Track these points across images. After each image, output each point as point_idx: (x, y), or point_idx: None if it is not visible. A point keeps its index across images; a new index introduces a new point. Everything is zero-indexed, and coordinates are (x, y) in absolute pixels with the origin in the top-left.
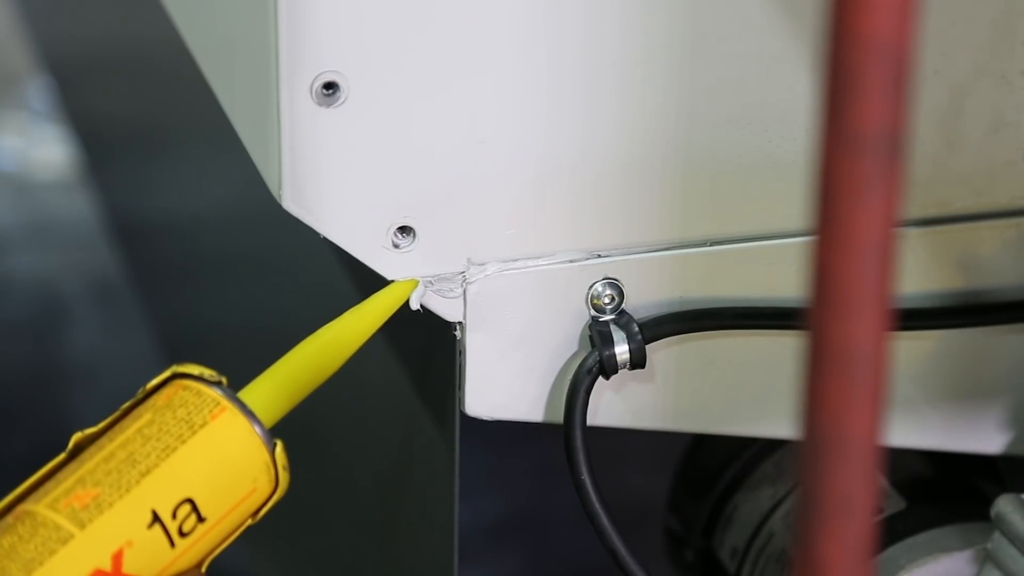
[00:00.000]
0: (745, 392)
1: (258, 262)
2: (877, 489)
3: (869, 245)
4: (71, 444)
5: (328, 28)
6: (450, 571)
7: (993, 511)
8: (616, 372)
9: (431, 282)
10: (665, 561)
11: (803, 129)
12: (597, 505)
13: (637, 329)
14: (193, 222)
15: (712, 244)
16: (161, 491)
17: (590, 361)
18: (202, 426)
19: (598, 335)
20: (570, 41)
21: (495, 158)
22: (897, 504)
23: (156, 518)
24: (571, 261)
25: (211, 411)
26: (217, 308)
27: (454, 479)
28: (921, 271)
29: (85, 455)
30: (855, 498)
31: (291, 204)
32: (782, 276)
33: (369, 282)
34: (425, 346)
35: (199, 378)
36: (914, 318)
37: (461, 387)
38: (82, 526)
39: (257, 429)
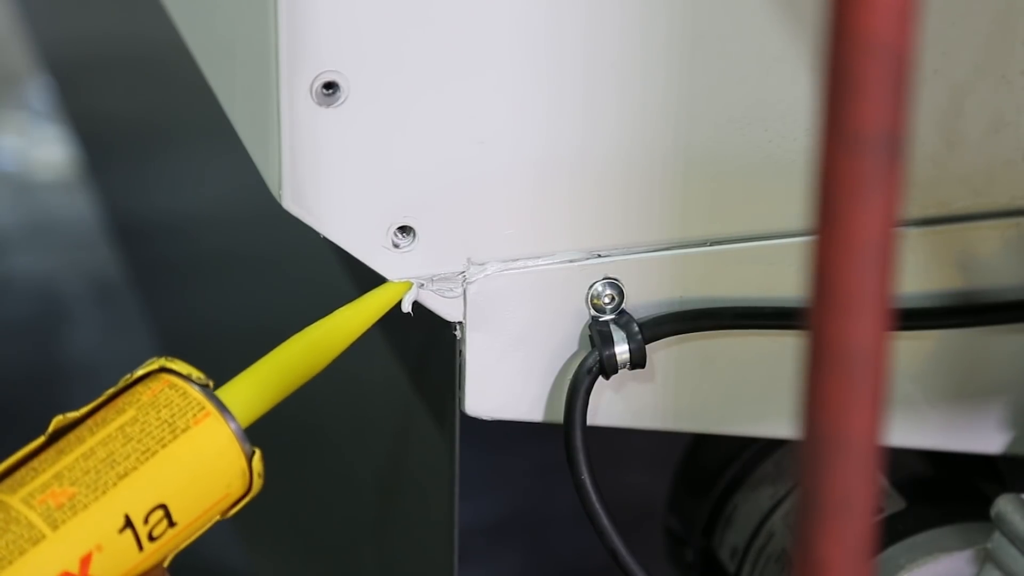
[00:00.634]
0: (745, 392)
1: (258, 262)
2: (877, 489)
3: (869, 245)
4: (51, 428)
5: (328, 28)
6: (450, 571)
7: (993, 511)
8: (616, 372)
9: (431, 281)
10: (665, 561)
11: (803, 129)
12: (597, 505)
13: (637, 329)
14: (193, 222)
15: (712, 244)
16: (136, 496)
17: (590, 361)
18: (184, 431)
19: (598, 335)
20: (570, 41)
21: (495, 158)
22: (897, 504)
23: (128, 523)
24: (571, 261)
25: (194, 415)
26: (217, 308)
27: (454, 479)
28: (921, 271)
29: (64, 445)
30: (855, 498)
31: (291, 204)
32: (782, 276)
33: (369, 282)
34: (423, 344)
35: (187, 378)
36: (914, 318)
37: (461, 387)
38: (55, 527)
39: (238, 436)
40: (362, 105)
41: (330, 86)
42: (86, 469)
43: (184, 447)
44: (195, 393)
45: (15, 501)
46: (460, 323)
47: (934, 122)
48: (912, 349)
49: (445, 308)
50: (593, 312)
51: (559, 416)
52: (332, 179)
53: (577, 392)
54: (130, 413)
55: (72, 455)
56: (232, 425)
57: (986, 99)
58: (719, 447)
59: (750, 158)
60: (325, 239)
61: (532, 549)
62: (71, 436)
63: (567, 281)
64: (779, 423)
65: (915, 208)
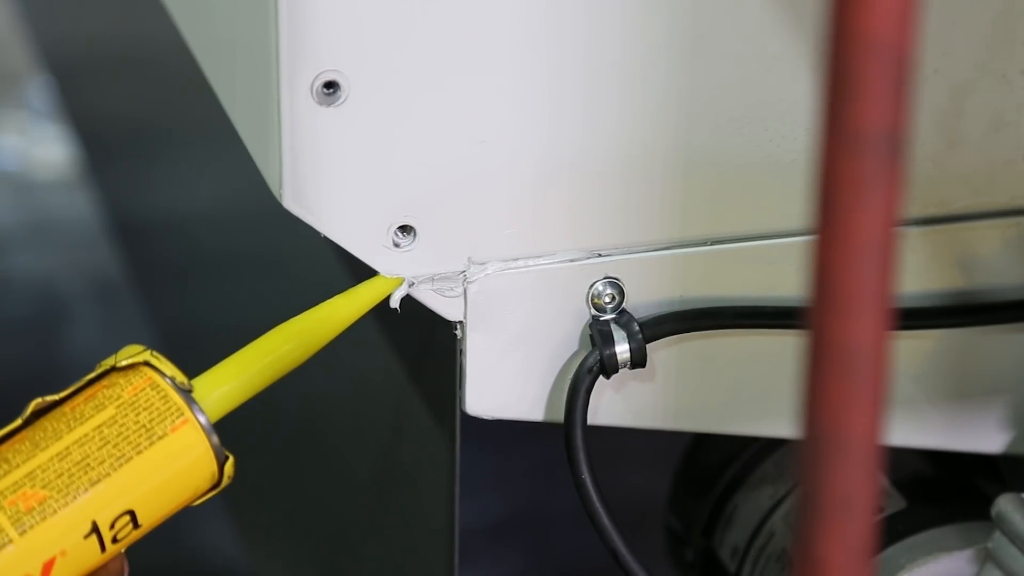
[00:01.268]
0: (745, 391)
1: (258, 261)
2: (877, 488)
3: (869, 244)
4: (29, 410)
5: (328, 27)
6: (450, 571)
7: (993, 510)
8: (616, 371)
9: (431, 280)
10: (665, 560)
11: (804, 128)
12: (597, 504)
13: (637, 328)
14: (193, 221)
15: (713, 243)
16: (106, 503)
17: (591, 360)
18: (161, 437)
19: (599, 334)
20: (571, 40)
21: (496, 157)
22: (897, 503)
23: (95, 529)
24: (572, 260)
25: (172, 422)
26: (217, 307)
27: (455, 479)
28: (921, 270)
29: (40, 436)
30: (855, 497)
31: (291, 203)
32: (783, 275)
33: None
34: (422, 343)
35: (170, 379)
36: (915, 317)
37: (461, 386)
38: (22, 532)
39: (213, 447)
40: (362, 104)
41: (330, 85)
42: (59, 471)
43: (159, 454)
44: (175, 397)
45: None
46: (460, 322)
47: (934, 122)
48: (913, 349)
49: (446, 307)
50: (594, 311)
51: (559, 415)
52: (333, 178)
53: (578, 391)
54: (109, 412)
55: (47, 452)
56: (208, 433)
57: (986, 99)
58: (719, 447)
59: (750, 158)
60: (325, 238)
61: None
62: (48, 427)
63: (568, 280)
64: (779, 422)
65: (915, 207)
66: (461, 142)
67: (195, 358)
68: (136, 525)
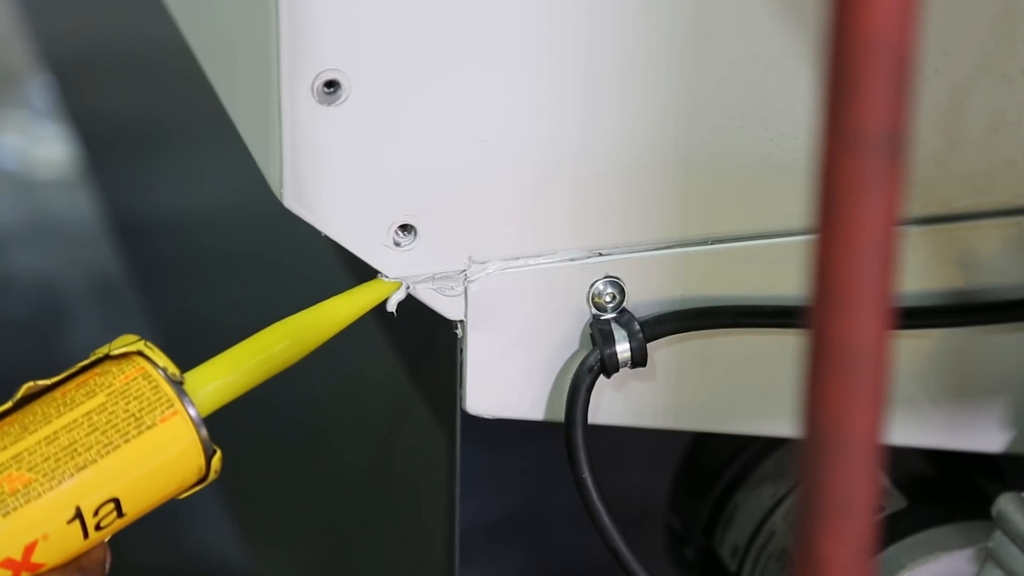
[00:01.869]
0: (746, 391)
1: (259, 260)
2: (878, 488)
3: (870, 244)
4: (20, 393)
5: (329, 26)
6: (450, 570)
7: (994, 510)
8: (617, 370)
9: (432, 280)
10: (666, 560)
11: (804, 128)
12: (598, 504)
13: (638, 327)
14: (194, 220)
15: (713, 242)
16: (91, 490)
17: (591, 359)
18: (149, 427)
19: (599, 333)
20: (571, 40)
21: (496, 156)
22: (898, 503)
23: (78, 514)
24: (572, 259)
25: (162, 413)
26: (218, 306)
27: (455, 478)
28: (922, 270)
29: (30, 420)
30: (856, 497)
31: (292, 202)
32: (783, 275)
33: (370, 281)
34: (423, 342)
35: (163, 370)
36: (915, 317)
37: (462, 385)
38: (5, 514)
39: (202, 440)
40: (363, 103)
41: (331, 84)
42: (46, 455)
43: (147, 444)
44: (166, 388)
45: None
46: (461, 321)
47: (935, 121)
48: (913, 348)
49: (446, 306)
50: (594, 311)
51: (560, 415)
52: (333, 177)
53: (578, 390)
54: (99, 399)
55: (35, 436)
56: (196, 426)
57: (987, 98)
58: (720, 446)
59: (751, 157)
60: (326, 237)
61: (532, 548)
62: (38, 411)
63: (568, 279)
64: (780, 422)
65: (916, 207)
66: (462, 141)
67: (195, 357)
68: (120, 514)
